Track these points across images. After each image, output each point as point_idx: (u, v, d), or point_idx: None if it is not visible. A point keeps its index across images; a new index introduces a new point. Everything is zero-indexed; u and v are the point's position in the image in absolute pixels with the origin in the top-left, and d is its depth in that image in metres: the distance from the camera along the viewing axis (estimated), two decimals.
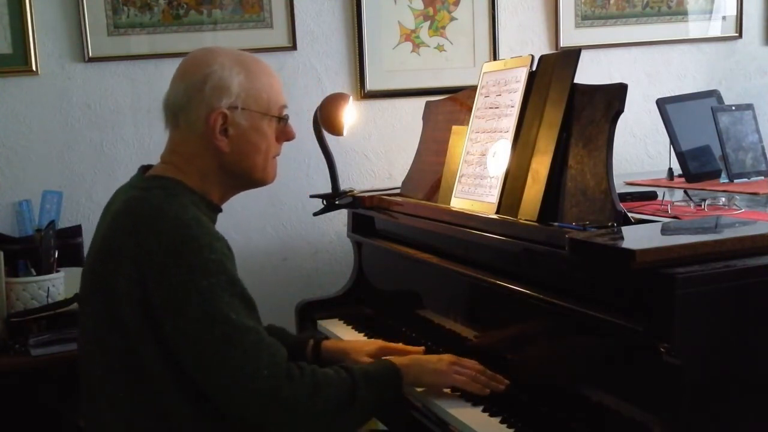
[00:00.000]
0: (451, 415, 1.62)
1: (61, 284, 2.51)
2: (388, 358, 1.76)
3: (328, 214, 2.49)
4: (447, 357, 1.73)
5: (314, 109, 2.38)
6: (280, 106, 1.67)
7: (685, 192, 2.07)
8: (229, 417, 1.53)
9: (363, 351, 1.88)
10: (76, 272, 2.53)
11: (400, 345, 1.95)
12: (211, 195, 1.64)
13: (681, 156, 2.27)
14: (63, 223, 2.69)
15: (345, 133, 2.38)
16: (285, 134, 1.69)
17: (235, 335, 1.46)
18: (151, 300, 1.47)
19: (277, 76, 1.70)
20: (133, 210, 1.53)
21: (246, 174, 1.65)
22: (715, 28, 3.23)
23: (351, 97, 2.40)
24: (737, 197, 1.93)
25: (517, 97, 1.88)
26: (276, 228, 2.94)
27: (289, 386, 1.47)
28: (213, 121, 1.58)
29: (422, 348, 1.93)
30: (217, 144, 1.59)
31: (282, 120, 1.67)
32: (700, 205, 1.83)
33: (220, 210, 1.69)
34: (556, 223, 1.62)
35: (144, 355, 1.49)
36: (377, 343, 1.94)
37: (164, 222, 1.49)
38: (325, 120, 2.34)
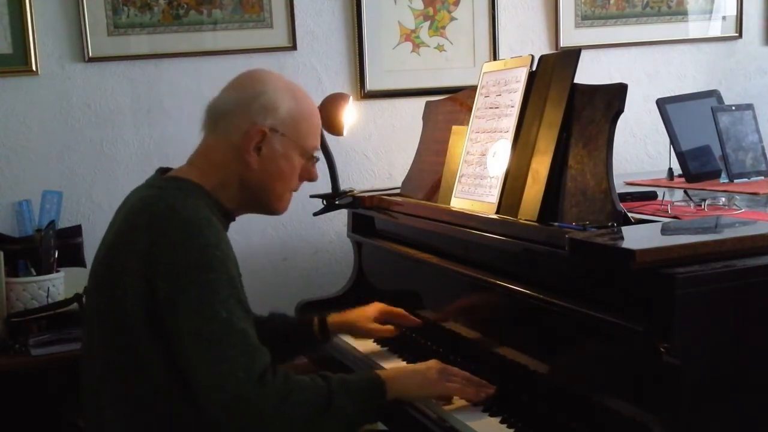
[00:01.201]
0: (451, 414, 1.62)
1: (61, 284, 2.51)
2: (373, 369, 1.77)
3: (328, 214, 2.49)
4: (434, 364, 1.69)
5: None
6: (314, 146, 1.73)
7: (685, 192, 2.07)
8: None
9: (368, 318, 2.01)
10: (76, 272, 2.55)
11: (399, 310, 2.04)
12: (226, 205, 1.66)
13: (681, 156, 2.27)
14: (63, 223, 2.69)
15: (345, 133, 2.38)
16: (308, 173, 1.73)
17: (223, 333, 1.46)
18: (156, 296, 1.47)
19: (319, 118, 1.75)
20: (148, 207, 1.55)
21: (263, 195, 1.68)
22: (715, 28, 3.24)
23: (351, 97, 2.40)
24: (737, 197, 1.93)
25: (517, 97, 1.88)
26: (276, 228, 2.94)
27: (260, 391, 1.46)
28: (252, 135, 1.61)
29: (419, 321, 2.02)
30: (247, 158, 1.62)
31: (311, 159, 1.72)
32: (700, 205, 1.83)
33: (233, 219, 1.71)
34: (556, 223, 1.62)
35: (145, 355, 1.49)
36: (377, 306, 2.04)
37: (177, 220, 1.50)
38: (325, 120, 2.33)
